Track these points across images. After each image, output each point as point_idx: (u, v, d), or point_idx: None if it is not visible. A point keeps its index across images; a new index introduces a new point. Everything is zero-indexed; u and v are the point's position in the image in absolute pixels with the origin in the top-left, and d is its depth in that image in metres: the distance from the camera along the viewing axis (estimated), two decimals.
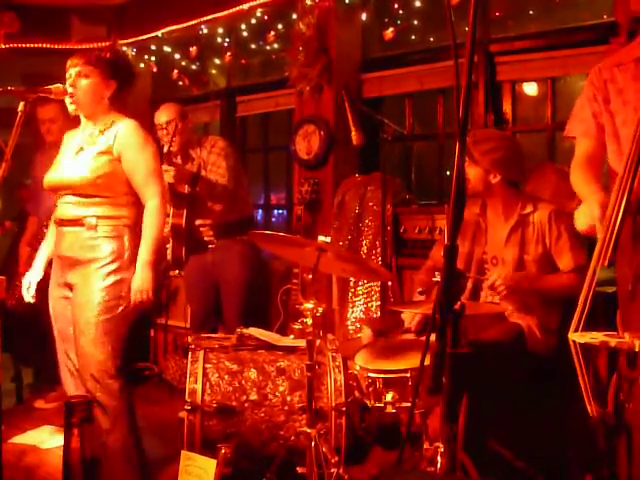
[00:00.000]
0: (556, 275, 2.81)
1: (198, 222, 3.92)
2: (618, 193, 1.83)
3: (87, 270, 2.68)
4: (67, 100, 2.70)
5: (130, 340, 2.77)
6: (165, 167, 3.57)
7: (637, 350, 1.67)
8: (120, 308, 2.68)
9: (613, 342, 1.69)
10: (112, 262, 2.68)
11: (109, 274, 2.67)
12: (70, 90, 2.67)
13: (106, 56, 2.77)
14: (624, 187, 1.82)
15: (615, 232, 1.79)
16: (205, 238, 3.97)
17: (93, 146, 2.71)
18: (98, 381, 2.65)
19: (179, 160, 3.96)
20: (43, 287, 2.88)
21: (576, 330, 1.78)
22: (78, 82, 2.69)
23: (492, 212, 2.98)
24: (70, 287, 2.74)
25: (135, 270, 2.68)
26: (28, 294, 2.83)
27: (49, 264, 2.88)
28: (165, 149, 3.71)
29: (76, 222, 2.69)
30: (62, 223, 2.74)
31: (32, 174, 4.20)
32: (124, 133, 2.71)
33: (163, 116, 3.89)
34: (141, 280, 2.66)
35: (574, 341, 1.76)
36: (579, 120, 2.31)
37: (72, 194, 2.70)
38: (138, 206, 2.76)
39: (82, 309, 2.67)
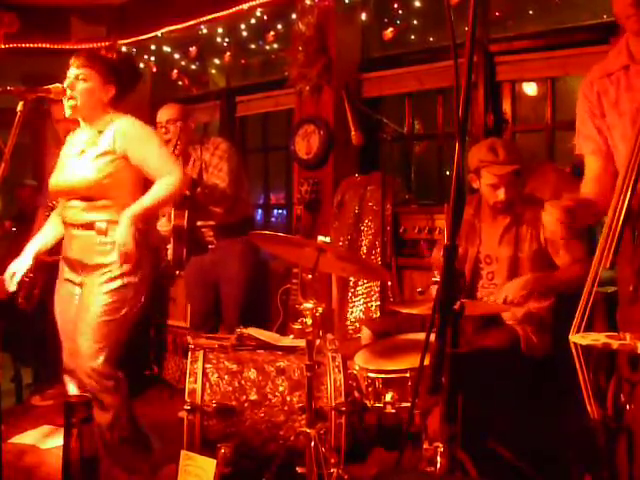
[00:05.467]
0: (564, 270, 2.79)
1: (200, 223, 3.91)
2: (619, 197, 1.79)
3: (95, 273, 2.70)
4: (64, 102, 2.69)
5: (130, 342, 2.78)
6: None
7: (639, 352, 1.64)
8: (122, 311, 2.70)
9: (615, 344, 1.66)
10: (119, 267, 2.67)
11: (115, 278, 2.68)
12: (68, 92, 2.66)
13: (108, 59, 2.73)
14: (625, 191, 1.78)
15: (617, 235, 1.76)
16: (206, 239, 3.97)
17: (94, 147, 2.70)
18: (94, 380, 2.68)
19: (179, 160, 3.94)
20: (48, 287, 2.88)
21: (577, 331, 1.75)
22: (76, 85, 2.67)
23: (487, 211, 2.98)
24: (81, 285, 2.77)
25: (141, 274, 2.70)
26: (11, 283, 2.77)
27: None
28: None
29: (87, 226, 2.70)
30: (72, 226, 2.74)
31: (46, 168, 4.17)
32: (124, 130, 2.68)
33: (164, 115, 3.84)
34: (120, 235, 2.59)
35: (575, 343, 1.73)
36: (584, 137, 2.20)
37: (79, 198, 2.69)
38: None
39: (85, 311, 2.69)
